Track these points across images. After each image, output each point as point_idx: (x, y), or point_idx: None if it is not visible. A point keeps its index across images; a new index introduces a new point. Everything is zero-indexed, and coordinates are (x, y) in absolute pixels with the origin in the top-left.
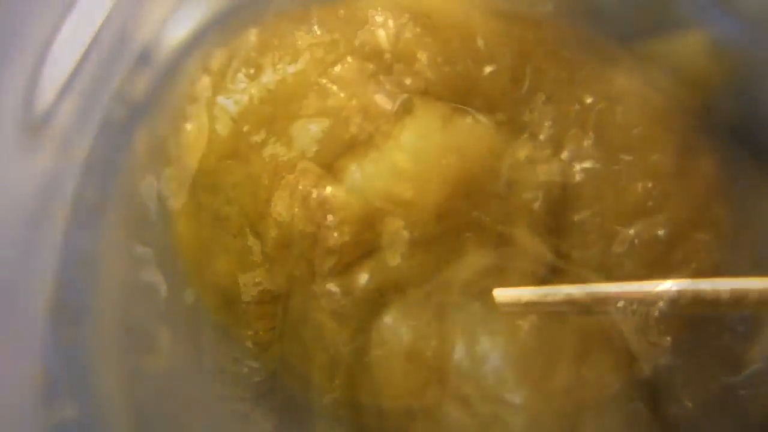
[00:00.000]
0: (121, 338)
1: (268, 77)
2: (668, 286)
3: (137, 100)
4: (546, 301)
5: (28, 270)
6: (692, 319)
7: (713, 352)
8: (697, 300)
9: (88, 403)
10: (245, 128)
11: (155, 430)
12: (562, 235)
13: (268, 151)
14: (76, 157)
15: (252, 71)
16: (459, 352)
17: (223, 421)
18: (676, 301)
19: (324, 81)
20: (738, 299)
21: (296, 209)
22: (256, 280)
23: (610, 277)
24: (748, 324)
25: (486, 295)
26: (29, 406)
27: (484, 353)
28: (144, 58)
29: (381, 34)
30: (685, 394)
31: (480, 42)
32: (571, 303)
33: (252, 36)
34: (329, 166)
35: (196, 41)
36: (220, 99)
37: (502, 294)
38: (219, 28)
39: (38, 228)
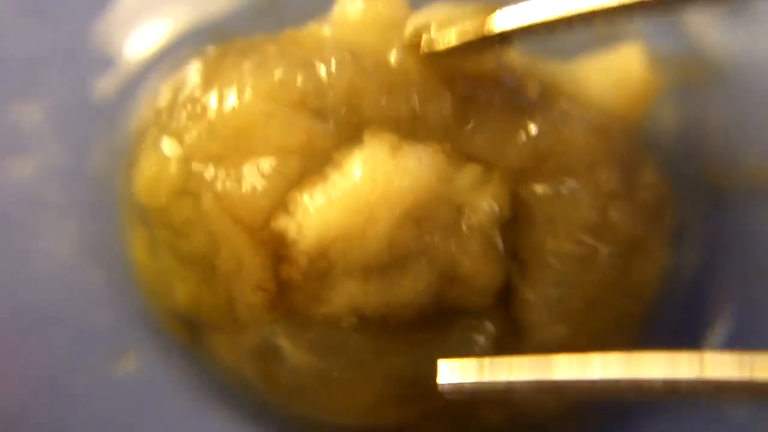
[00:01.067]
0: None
1: (213, 114)
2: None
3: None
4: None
5: None
6: None
7: None
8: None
9: None
10: (194, 165)
11: None
12: (516, 257)
13: (218, 188)
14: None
15: (197, 108)
16: None
17: None
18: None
19: (269, 116)
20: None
21: (249, 243)
22: (215, 310)
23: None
24: None
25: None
26: None
27: None
28: (108, 67)
29: (323, 71)
30: None
31: (423, 76)
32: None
33: (195, 71)
34: (279, 200)
35: (164, 57)
36: (167, 138)
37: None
38: (189, 44)
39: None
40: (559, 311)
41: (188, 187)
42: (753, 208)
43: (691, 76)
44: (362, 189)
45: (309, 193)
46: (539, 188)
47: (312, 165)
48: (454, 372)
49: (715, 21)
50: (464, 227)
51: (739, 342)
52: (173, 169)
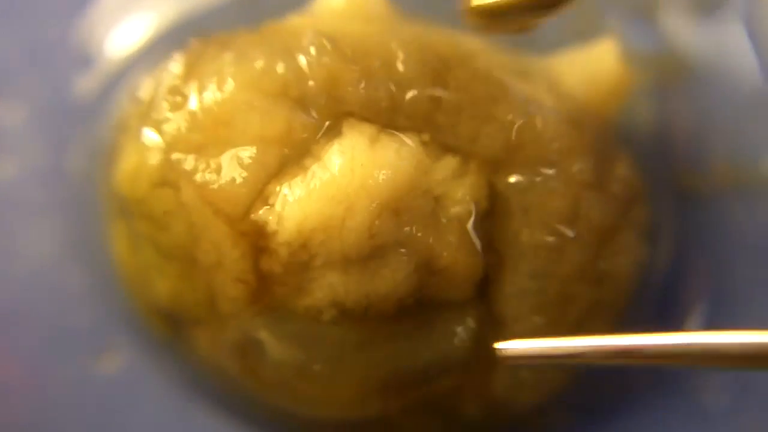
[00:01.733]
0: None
1: (194, 105)
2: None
3: (80, 107)
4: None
5: None
6: None
7: None
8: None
9: None
10: (174, 156)
11: None
12: (493, 248)
13: (198, 179)
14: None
15: (178, 99)
16: None
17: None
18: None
19: (250, 107)
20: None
21: (229, 235)
22: (196, 304)
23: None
24: None
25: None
26: None
27: None
28: (88, 66)
29: (303, 60)
30: None
31: (400, 66)
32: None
33: (177, 63)
34: (259, 191)
35: (145, 55)
36: (147, 129)
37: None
38: (170, 41)
39: None
40: (535, 302)
41: (168, 178)
42: (723, 204)
43: (666, 75)
44: (341, 180)
45: (289, 184)
46: (514, 179)
47: (292, 156)
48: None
49: (688, 21)
50: (442, 219)
51: None
52: (153, 160)
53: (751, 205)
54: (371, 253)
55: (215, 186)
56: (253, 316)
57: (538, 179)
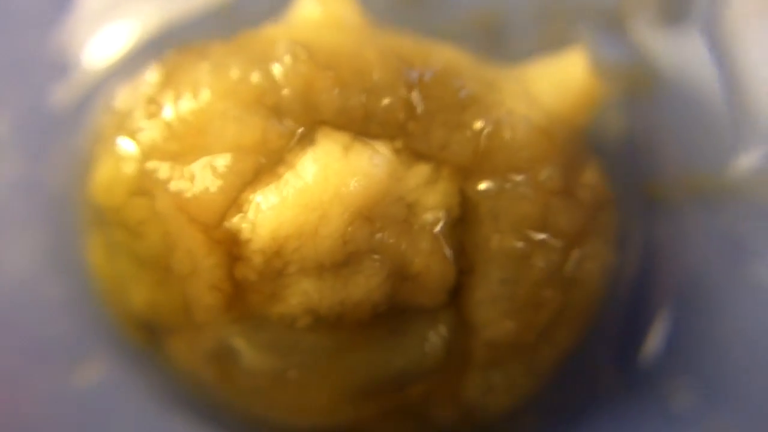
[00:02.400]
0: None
1: (170, 114)
2: None
3: (58, 116)
4: None
5: None
6: None
7: None
8: None
9: None
10: (150, 165)
11: None
12: (463, 253)
13: (172, 187)
14: None
15: (153, 109)
16: None
17: None
18: None
19: (225, 115)
20: None
21: (204, 243)
22: (171, 313)
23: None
24: None
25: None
26: None
27: None
28: (66, 76)
29: (278, 68)
30: None
31: (374, 75)
32: None
33: (153, 72)
34: (234, 199)
35: (122, 65)
36: (123, 138)
37: None
38: (147, 51)
39: None
40: (505, 307)
41: (144, 187)
42: (688, 211)
43: (634, 85)
44: (314, 188)
45: (262, 192)
46: (484, 185)
47: (266, 164)
48: None
49: (656, 31)
50: (415, 225)
51: (677, 340)
52: (129, 169)
53: (715, 213)
54: (345, 260)
55: (189, 194)
56: (228, 324)
57: (507, 186)
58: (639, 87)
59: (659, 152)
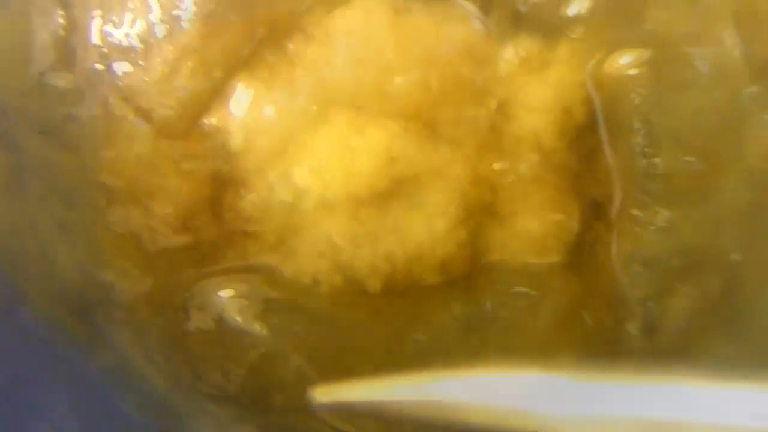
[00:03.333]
0: None
1: None
2: None
3: None
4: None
5: None
6: None
7: None
8: None
9: None
10: None
11: None
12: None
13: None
14: None
15: None
16: None
17: None
18: None
19: None
20: None
21: (166, 156)
22: (116, 275)
23: None
24: None
25: None
26: None
27: None
28: None
29: None
30: None
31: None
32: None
33: None
34: (215, 88)
35: None
36: None
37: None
38: None
39: None
40: None
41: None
42: None
43: None
44: (342, 74)
45: (262, 77)
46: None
47: (268, 36)
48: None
49: None
50: (508, 136)
51: None
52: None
53: None
54: (393, 189)
55: (146, 79)
56: (204, 282)
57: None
58: None
59: None
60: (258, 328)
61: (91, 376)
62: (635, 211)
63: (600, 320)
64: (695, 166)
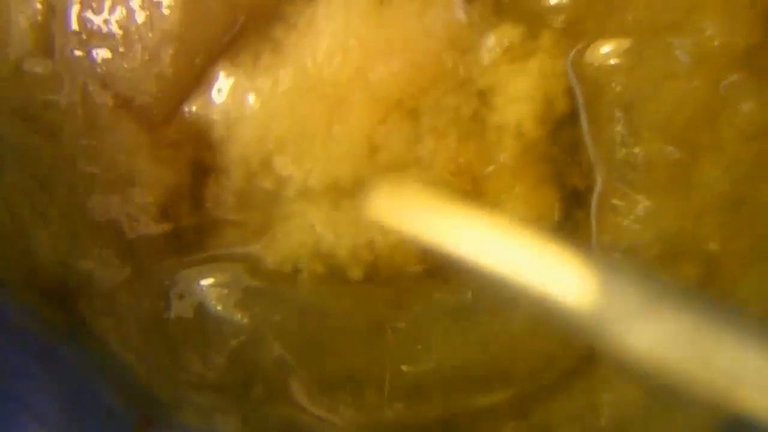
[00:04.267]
0: None
1: None
2: None
3: None
4: None
5: None
6: None
7: None
8: None
9: None
10: None
11: None
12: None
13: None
14: None
15: None
16: None
17: None
18: None
19: None
20: None
21: (146, 145)
22: (94, 262)
23: None
24: None
25: None
26: None
27: None
28: None
29: None
30: None
31: None
32: None
33: None
34: (195, 75)
35: None
36: None
37: None
38: None
39: None
40: None
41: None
42: None
43: None
44: (326, 62)
45: (244, 64)
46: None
47: (251, 22)
48: None
49: None
50: (490, 126)
51: None
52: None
53: None
54: (374, 178)
55: (126, 66)
56: (184, 271)
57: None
58: None
59: None
60: (239, 316)
61: (73, 365)
62: (615, 201)
63: None
64: (675, 155)
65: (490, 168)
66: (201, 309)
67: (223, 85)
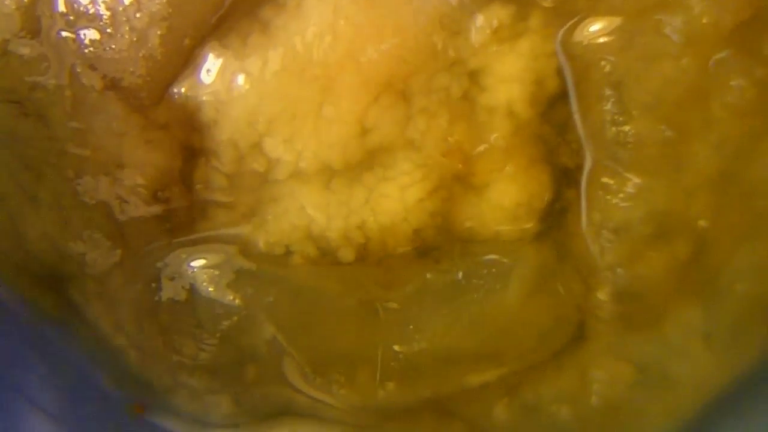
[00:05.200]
0: None
1: None
2: None
3: None
4: None
5: None
6: None
7: None
8: None
9: None
10: None
11: None
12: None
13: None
14: None
15: None
16: None
17: None
18: None
19: None
20: None
21: (136, 126)
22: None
23: None
24: None
25: None
26: None
27: None
28: None
29: None
30: None
31: None
32: None
33: None
34: (185, 56)
35: None
36: None
37: None
38: None
39: None
40: None
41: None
42: None
43: None
44: (316, 44)
45: (234, 46)
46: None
47: (241, 3)
48: None
49: None
50: (480, 106)
51: None
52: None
53: None
54: (366, 160)
55: (114, 47)
56: (175, 253)
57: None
58: None
59: None
60: (230, 297)
61: (67, 352)
62: (605, 179)
63: (571, 287)
64: (665, 133)
65: (481, 148)
66: (193, 291)
67: (212, 66)
